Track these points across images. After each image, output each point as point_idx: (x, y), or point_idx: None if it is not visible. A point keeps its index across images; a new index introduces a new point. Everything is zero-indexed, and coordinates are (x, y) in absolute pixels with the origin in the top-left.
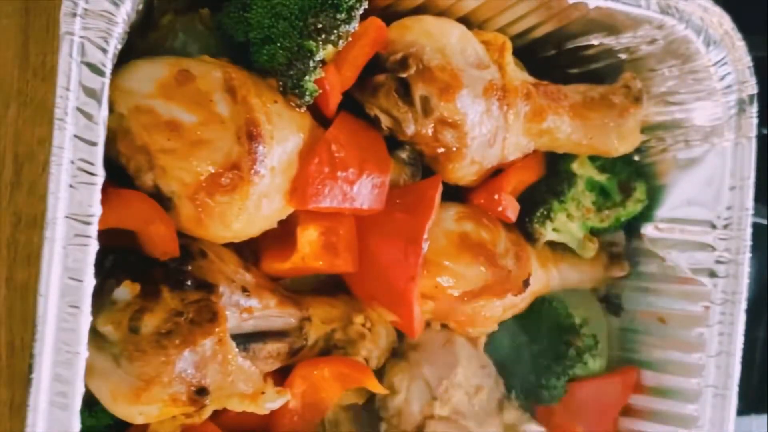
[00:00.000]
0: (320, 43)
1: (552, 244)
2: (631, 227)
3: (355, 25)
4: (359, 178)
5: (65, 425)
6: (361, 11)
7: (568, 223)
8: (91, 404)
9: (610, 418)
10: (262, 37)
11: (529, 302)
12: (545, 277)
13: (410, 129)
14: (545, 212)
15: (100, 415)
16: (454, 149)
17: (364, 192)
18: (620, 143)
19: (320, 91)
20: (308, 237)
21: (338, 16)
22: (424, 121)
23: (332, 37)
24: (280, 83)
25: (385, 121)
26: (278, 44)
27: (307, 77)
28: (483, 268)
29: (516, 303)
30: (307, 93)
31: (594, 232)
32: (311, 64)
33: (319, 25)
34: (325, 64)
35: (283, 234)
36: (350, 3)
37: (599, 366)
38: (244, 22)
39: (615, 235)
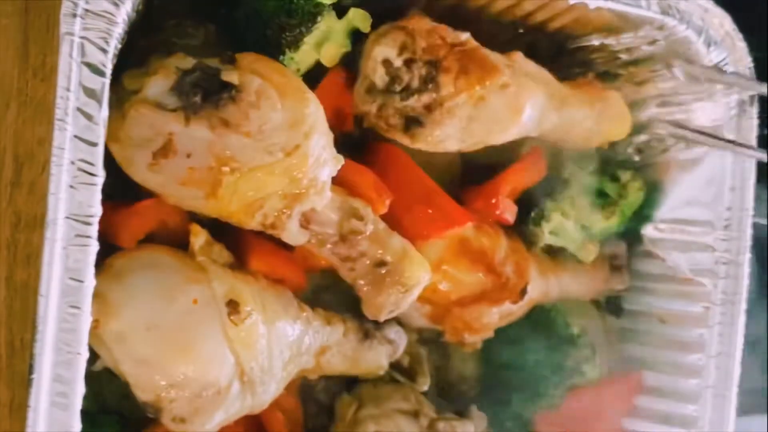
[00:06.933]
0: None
1: (553, 253)
2: (631, 228)
3: None
4: None
5: (66, 426)
6: None
7: (565, 223)
8: (94, 413)
9: (613, 425)
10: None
11: (527, 310)
12: (544, 285)
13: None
14: (540, 213)
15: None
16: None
17: None
18: (613, 127)
19: None
20: None
21: None
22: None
23: None
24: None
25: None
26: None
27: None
28: (481, 274)
29: (513, 311)
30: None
31: (599, 237)
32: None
33: None
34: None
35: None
36: None
37: (597, 374)
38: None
39: (616, 247)
